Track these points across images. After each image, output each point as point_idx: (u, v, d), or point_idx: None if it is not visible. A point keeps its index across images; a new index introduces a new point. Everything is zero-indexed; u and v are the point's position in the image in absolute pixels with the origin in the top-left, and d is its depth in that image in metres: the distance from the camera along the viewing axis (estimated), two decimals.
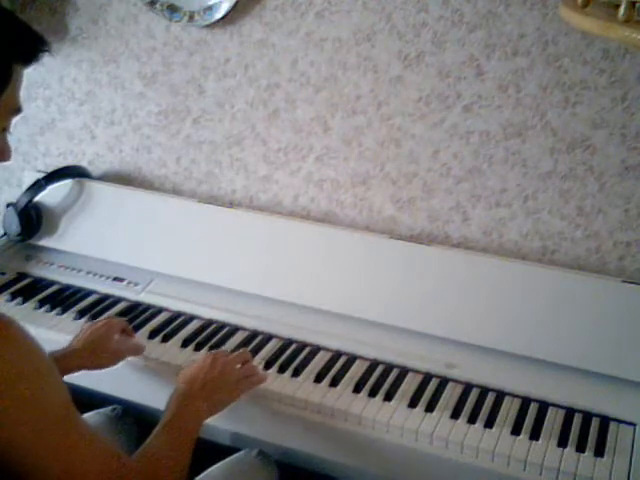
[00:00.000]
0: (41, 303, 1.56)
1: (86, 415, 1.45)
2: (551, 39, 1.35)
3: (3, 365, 0.81)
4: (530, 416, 1.25)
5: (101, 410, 1.49)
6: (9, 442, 0.82)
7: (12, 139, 0.95)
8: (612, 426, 1.23)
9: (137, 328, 1.47)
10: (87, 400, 1.25)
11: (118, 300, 1.58)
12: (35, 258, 1.72)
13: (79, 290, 1.62)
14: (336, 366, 1.37)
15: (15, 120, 0.91)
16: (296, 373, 1.35)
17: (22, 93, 0.89)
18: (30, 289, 1.62)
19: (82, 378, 1.27)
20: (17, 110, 0.89)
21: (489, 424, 1.23)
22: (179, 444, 1.06)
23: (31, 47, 0.88)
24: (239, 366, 1.28)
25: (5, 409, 0.81)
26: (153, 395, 1.38)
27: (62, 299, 1.58)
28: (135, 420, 1.52)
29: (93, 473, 0.90)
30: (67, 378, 1.17)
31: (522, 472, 1.16)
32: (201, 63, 1.66)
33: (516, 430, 1.22)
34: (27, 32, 0.87)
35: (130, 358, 1.38)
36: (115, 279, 1.64)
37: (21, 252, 1.74)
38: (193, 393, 1.16)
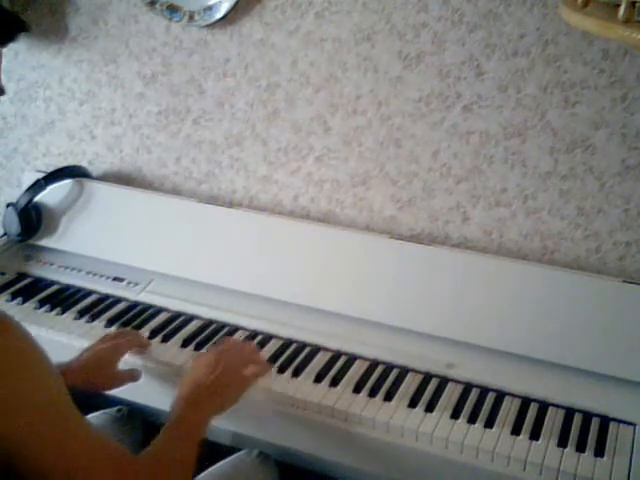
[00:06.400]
0: (41, 303, 1.56)
1: (91, 415, 1.45)
2: (551, 39, 1.35)
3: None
4: (530, 416, 1.25)
5: (106, 411, 1.49)
6: (7, 437, 0.82)
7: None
8: (612, 426, 1.23)
9: (137, 328, 1.47)
10: (92, 400, 1.24)
11: (118, 300, 1.58)
12: (35, 258, 1.72)
13: (79, 290, 1.62)
14: (336, 366, 1.37)
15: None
16: (296, 373, 1.35)
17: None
18: (30, 289, 1.61)
19: None
20: (1, 91, 0.89)
21: (489, 424, 1.23)
22: (185, 445, 1.05)
23: (7, 27, 0.86)
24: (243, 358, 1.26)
25: (1, 402, 0.81)
26: (158, 396, 1.39)
27: (62, 299, 1.58)
28: (140, 421, 1.52)
29: (96, 469, 0.89)
30: None
31: (522, 472, 1.16)
32: (201, 63, 1.66)
33: (516, 430, 1.22)
34: (2, 13, 0.86)
35: (131, 359, 1.38)
36: (115, 279, 1.64)
37: (21, 252, 1.74)
38: (198, 395, 1.14)
